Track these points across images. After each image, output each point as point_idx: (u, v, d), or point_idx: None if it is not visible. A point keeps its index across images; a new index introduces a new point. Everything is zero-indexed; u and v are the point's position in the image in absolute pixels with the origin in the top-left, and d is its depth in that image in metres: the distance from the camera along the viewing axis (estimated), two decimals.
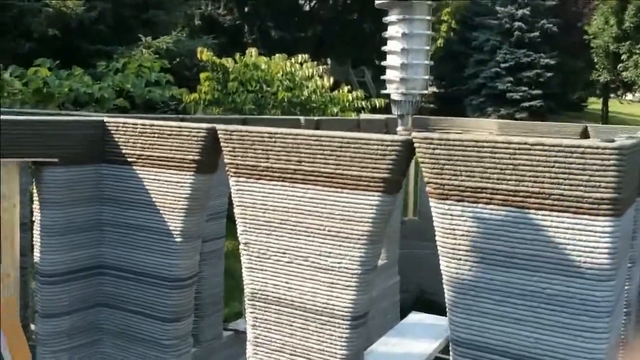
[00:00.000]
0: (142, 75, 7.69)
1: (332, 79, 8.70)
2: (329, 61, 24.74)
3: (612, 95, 32.21)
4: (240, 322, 4.14)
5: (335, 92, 8.79)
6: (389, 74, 2.40)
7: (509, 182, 1.87)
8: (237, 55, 8.56)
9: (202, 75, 8.53)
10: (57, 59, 8.19)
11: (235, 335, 4.12)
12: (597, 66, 26.22)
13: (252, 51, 8.76)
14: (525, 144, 1.83)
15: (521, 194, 1.86)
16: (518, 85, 26.55)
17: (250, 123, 4.13)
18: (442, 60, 31.72)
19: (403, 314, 5.39)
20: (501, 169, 1.88)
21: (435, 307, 6.00)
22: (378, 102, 8.69)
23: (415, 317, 5.09)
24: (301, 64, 8.76)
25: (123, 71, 7.87)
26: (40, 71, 7.09)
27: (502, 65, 26.80)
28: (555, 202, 1.82)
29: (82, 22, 11.82)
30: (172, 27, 13.44)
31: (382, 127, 5.72)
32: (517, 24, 26.99)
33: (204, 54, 8.37)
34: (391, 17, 2.41)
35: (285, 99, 8.03)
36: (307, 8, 25.52)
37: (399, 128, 2.40)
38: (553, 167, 1.81)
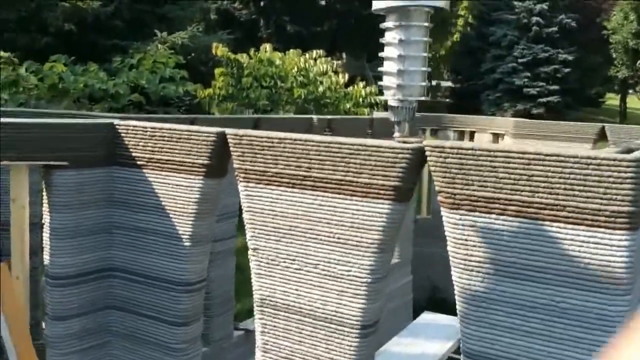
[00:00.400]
0: (156, 72, 7.70)
1: (347, 74, 8.67)
2: (344, 55, 24.67)
3: (630, 91, 31.82)
4: (250, 322, 4.13)
5: (350, 87, 8.76)
6: (386, 80, 2.36)
7: (523, 192, 1.83)
8: (252, 51, 8.55)
9: (217, 71, 8.54)
10: (73, 53, 8.23)
11: (246, 335, 4.11)
12: (615, 62, 25.90)
13: (267, 47, 8.74)
14: (540, 154, 1.79)
15: (535, 205, 1.81)
16: (535, 80, 26.34)
17: (263, 123, 4.10)
18: (459, 55, 31.60)
19: (415, 313, 5.36)
20: (515, 179, 1.83)
21: (448, 306, 5.96)
22: None
23: (428, 317, 5.06)
24: (315, 59, 8.74)
25: (138, 67, 7.89)
26: (56, 67, 7.13)
27: (520, 60, 26.59)
28: (570, 214, 1.77)
29: (98, 17, 11.89)
30: (188, 22, 13.47)
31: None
32: (535, 18, 26.74)
33: (219, 50, 8.37)
34: (388, 23, 2.36)
35: (302, 96, 8.01)
36: (323, 2, 25.43)
37: (396, 134, 2.37)
38: (568, 178, 1.77)
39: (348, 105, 8.49)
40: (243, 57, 8.26)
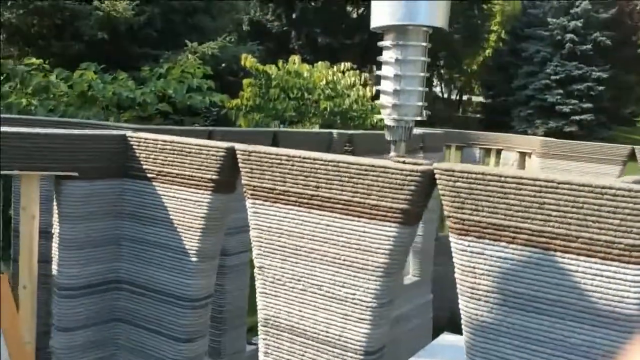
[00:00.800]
0: (184, 81, 7.76)
1: (375, 87, 8.61)
2: (374, 68, 24.63)
3: None
4: None
5: (377, 100, 8.69)
6: (383, 99, 2.32)
7: (534, 221, 1.75)
8: (280, 63, 8.57)
9: (245, 82, 8.57)
10: (105, 61, 8.35)
11: (258, 350, 4.06)
12: None
13: (295, 58, 8.75)
14: (552, 181, 1.71)
15: (546, 234, 1.74)
16: (568, 98, 25.94)
17: (282, 137, 4.07)
18: (491, 71, 31.34)
19: (435, 333, 5.26)
20: (526, 207, 1.76)
21: None
22: None
23: (447, 338, 4.94)
24: (343, 72, 8.72)
25: (166, 77, 7.97)
26: (86, 74, 7.24)
27: (552, 77, 26.25)
28: (583, 246, 1.69)
29: (131, 26, 12.07)
30: (220, 32, 13.58)
31: (419, 141, 5.58)
32: (568, 35, 26.38)
33: (248, 61, 8.40)
34: (385, 42, 2.32)
35: (329, 109, 7.98)
36: (354, 15, 25.48)
37: (392, 154, 2.32)
38: (582, 208, 1.69)
39: (375, 119, 8.44)
40: (271, 69, 8.28)
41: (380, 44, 2.45)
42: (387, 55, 2.39)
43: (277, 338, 2.32)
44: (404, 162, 2.03)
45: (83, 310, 2.66)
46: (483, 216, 1.83)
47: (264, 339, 2.37)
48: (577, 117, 25.68)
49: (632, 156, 5.41)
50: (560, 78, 26.01)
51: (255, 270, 2.37)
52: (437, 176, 1.93)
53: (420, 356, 4.53)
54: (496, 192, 1.81)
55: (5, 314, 1.99)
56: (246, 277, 3.92)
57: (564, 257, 1.72)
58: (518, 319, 1.80)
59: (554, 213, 1.73)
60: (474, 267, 1.85)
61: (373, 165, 2.04)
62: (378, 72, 2.46)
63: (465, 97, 38.25)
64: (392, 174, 2.00)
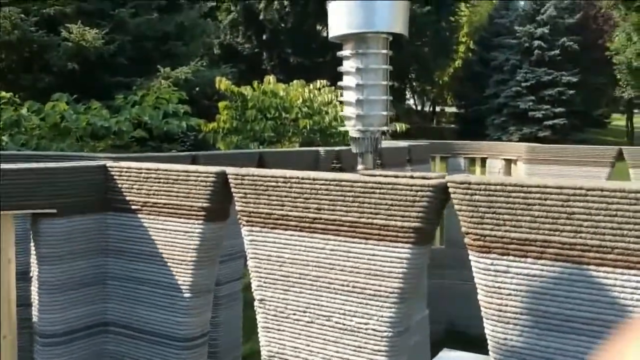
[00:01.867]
0: (159, 107, 7.59)
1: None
2: None
3: (636, 111, 31.70)
4: None
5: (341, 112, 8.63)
6: (346, 111, 2.22)
7: (563, 233, 1.61)
8: (255, 83, 8.47)
9: (221, 105, 8.44)
10: (76, 91, 8.16)
11: None
12: (620, 82, 25.82)
13: (270, 78, 8.66)
14: (581, 188, 1.57)
15: (578, 247, 1.59)
16: (540, 103, 26.26)
17: (267, 156, 3.91)
18: (462, 81, 31.70)
19: (433, 347, 5.11)
20: (553, 218, 1.62)
21: (467, 340, 5.69)
22: (399, 127, 8.51)
23: (448, 355, 4.79)
24: (319, 89, 8.64)
25: (141, 104, 7.78)
26: (58, 105, 7.02)
27: (523, 84, 26.58)
28: (619, 257, 1.55)
29: (102, 55, 11.88)
30: (192, 57, 13.44)
31: (405, 154, 5.47)
32: (536, 42, 26.79)
33: (222, 83, 8.30)
34: (345, 52, 2.23)
35: (308, 127, 7.88)
36: (324, 34, 25.55)
37: (359, 167, 2.20)
38: (615, 216, 1.55)
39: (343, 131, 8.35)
40: (247, 90, 8.15)
41: (339, 53, 2.36)
42: (348, 65, 2.30)
43: None
44: (411, 177, 1.88)
45: (68, 358, 2.44)
46: (506, 231, 1.68)
47: None
48: (550, 122, 25.99)
49: (619, 157, 5.36)
50: (531, 84, 26.35)
51: (256, 303, 2.18)
52: (451, 190, 1.78)
53: None
54: (518, 204, 1.66)
55: None
56: (240, 306, 3.73)
57: (598, 271, 1.58)
58: (552, 342, 1.64)
59: (585, 223, 1.58)
60: (499, 288, 1.70)
61: (379, 183, 1.89)
62: (339, 83, 2.36)
63: (438, 109, 38.54)
64: (401, 190, 1.85)
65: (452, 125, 33.14)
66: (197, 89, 12.51)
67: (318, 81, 8.69)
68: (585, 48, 26.92)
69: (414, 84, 32.76)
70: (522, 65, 27.05)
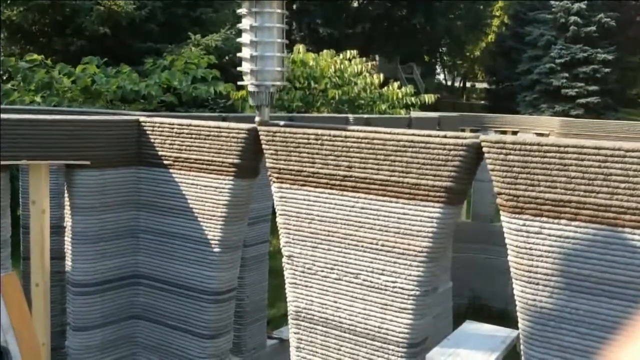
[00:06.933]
0: (188, 72, 7.60)
1: (381, 76, 8.47)
2: (377, 58, 24.42)
3: None
4: (285, 330, 3.93)
5: (385, 88, 8.57)
6: (244, 66, 2.34)
7: (599, 195, 1.58)
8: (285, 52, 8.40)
9: None
10: (107, 56, 8.20)
11: (280, 344, 3.91)
12: None
13: (300, 48, 8.59)
14: (620, 149, 1.54)
15: (614, 209, 1.56)
16: (574, 81, 25.68)
17: (296, 121, 3.91)
18: (495, 56, 31.08)
19: (455, 321, 5.13)
20: (589, 179, 1.59)
21: (490, 313, 5.69)
22: (428, 99, 8.43)
23: (470, 327, 4.80)
24: (350, 60, 8.57)
25: (170, 68, 7.80)
26: (89, 69, 7.08)
27: (557, 60, 25.97)
28: None
29: (133, 21, 11.91)
30: (222, 24, 13.39)
31: (435, 125, 5.42)
32: (572, 18, 26.07)
33: None
34: (242, 10, 2.36)
35: (337, 97, 7.83)
36: (355, 4, 25.25)
37: (256, 119, 2.26)
38: None
39: (383, 107, 8.29)
40: None
41: (238, 11, 2.44)
42: (245, 23, 2.36)
43: (310, 331, 2.16)
44: (445, 136, 1.86)
45: (99, 307, 2.50)
46: (540, 191, 1.66)
47: (295, 333, 2.20)
48: (583, 100, 25.42)
49: None
50: (565, 61, 25.73)
51: (284, 259, 2.20)
52: (485, 149, 1.76)
53: (444, 346, 4.38)
54: (554, 164, 1.63)
55: (17, 313, 1.85)
56: (266, 268, 3.77)
57: (634, 234, 1.55)
58: (583, 304, 1.63)
59: (622, 185, 1.56)
60: (530, 249, 1.68)
61: (412, 141, 1.87)
62: (238, 40, 2.44)
63: (469, 84, 37.98)
64: (434, 149, 1.83)
65: (482, 102, 32.66)
66: (227, 57, 12.50)
67: (348, 51, 8.62)
68: (622, 25, 26.16)
69: (445, 58, 32.29)
70: (557, 41, 26.41)
